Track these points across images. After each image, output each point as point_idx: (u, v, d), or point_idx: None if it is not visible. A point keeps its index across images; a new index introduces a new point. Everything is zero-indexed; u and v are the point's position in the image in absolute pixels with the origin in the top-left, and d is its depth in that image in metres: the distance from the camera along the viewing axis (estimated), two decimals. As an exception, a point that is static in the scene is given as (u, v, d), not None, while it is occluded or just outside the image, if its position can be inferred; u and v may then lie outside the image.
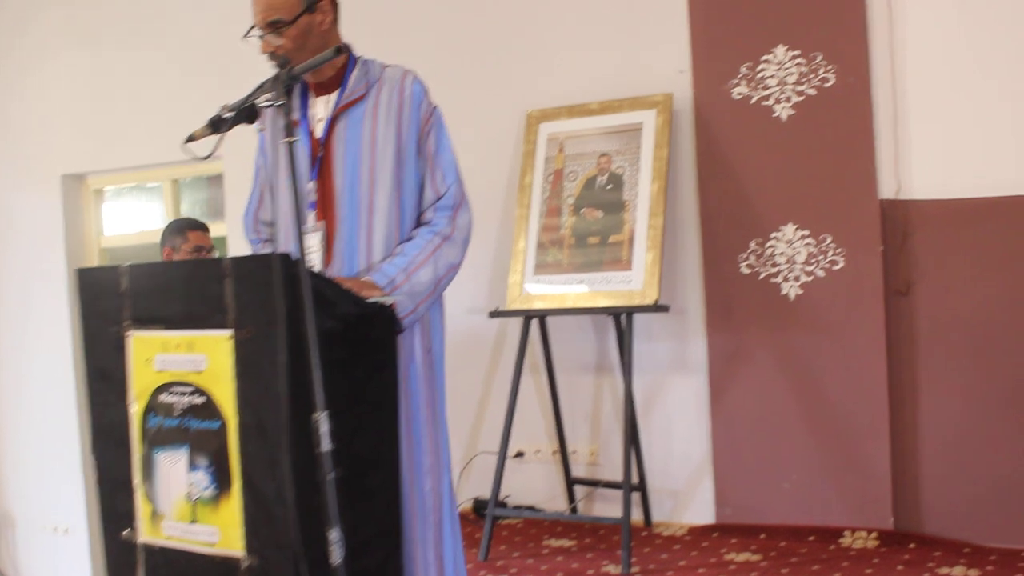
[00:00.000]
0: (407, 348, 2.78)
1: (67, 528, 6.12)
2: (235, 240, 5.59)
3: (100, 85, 5.99)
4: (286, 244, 2.87)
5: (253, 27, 2.71)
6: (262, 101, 2.12)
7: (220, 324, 2.27)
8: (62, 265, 6.12)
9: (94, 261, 6.32)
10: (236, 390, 2.25)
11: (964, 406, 4.04)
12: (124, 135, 5.88)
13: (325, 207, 2.80)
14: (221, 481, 2.30)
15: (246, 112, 2.20)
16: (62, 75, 6.13)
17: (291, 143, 2.05)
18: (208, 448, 2.32)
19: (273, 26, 2.69)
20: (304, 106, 2.89)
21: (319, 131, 2.84)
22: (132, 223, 6.38)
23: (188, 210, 6.18)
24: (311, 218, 2.80)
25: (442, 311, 2.96)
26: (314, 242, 2.78)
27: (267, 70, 2.72)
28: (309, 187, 2.81)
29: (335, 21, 2.86)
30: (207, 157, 2.24)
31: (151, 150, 5.72)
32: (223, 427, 2.29)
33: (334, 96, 2.86)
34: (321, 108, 2.87)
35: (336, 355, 2.29)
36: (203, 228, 4.54)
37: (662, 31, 4.51)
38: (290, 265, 2.12)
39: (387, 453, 2.53)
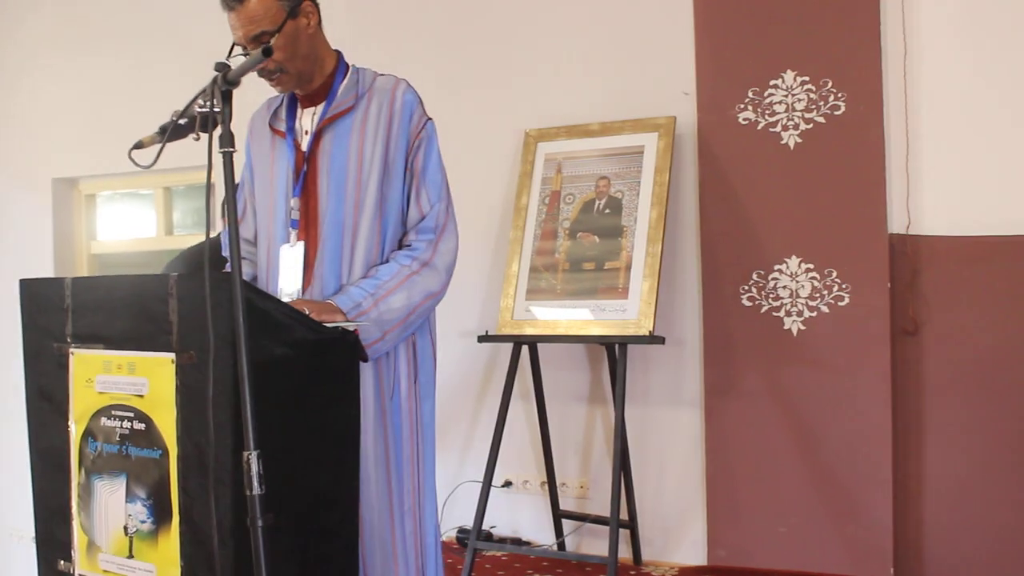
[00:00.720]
0: (390, 378, 2.61)
1: (23, 535, 5.97)
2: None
3: (93, 89, 5.87)
4: (266, 265, 2.70)
5: (234, 45, 2.54)
6: (199, 109, 1.96)
7: (164, 346, 2.10)
8: (51, 271, 5.99)
9: (83, 267, 6.19)
10: (177, 418, 2.09)
11: (970, 453, 3.86)
12: (117, 140, 5.67)
13: (307, 225, 2.62)
14: (159, 515, 2.14)
15: (189, 122, 2.04)
16: (55, 79, 6.02)
17: (228, 154, 1.89)
18: (148, 479, 2.15)
19: (258, 40, 2.52)
20: (291, 118, 2.73)
21: (304, 144, 2.68)
22: (124, 230, 6.24)
23: (180, 219, 6.05)
24: (292, 236, 2.63)
25: (432, 340, 2.77)
26: (293, 262, 2.61)
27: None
28: (292, 203, 2.64)
29: (320, 23, 2.70)
30: (150, 166, 2.08)
31: (144, 156, 5.57)
32: (164, 456, 2.12)
33: (321, 107, 2.70)
34: (307, 120, 2.71)
35: (288, 385, 2.12)
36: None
37: (667, 51, 4.35)
38: (233, 285, 1.95)
39: (346, 491, 2.35)
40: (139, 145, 2.16)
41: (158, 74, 5.61)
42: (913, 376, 3.93)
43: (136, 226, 6.19)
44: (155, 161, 2.06)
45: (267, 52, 1.92)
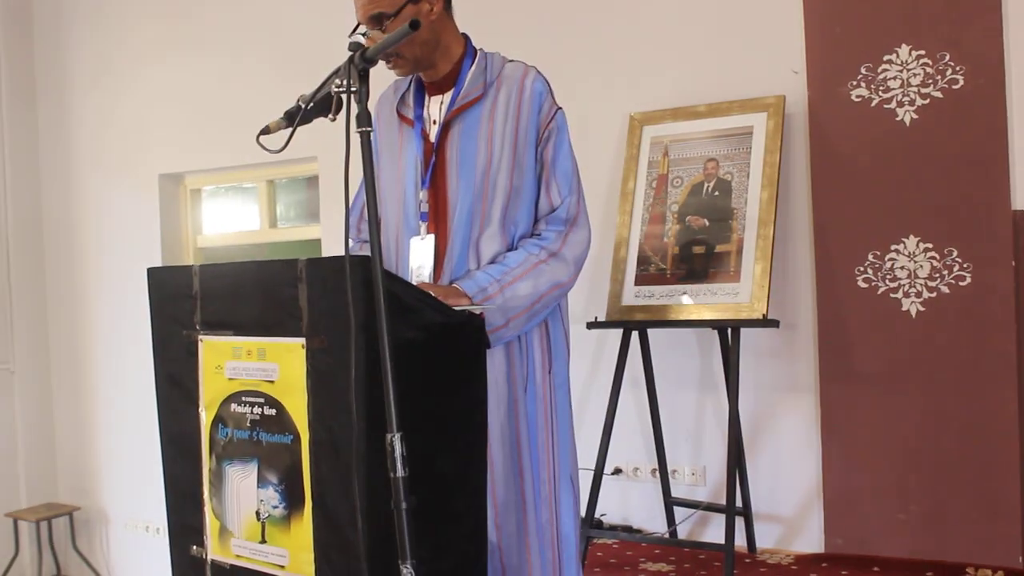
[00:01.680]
0: (525, 368, 2.57)
1: (159, 528, 6.08)
2: (331, 245, 5.49)
3: (197, 87, 5.97)
4: (395, 253, 2.67)
5: (359, 25, 2.52)
6: (335, 89, 1.94)
7: (293, 332, 2.10)
8: (159, 264, 6.10)
9: (190, 260, 6.29)
10: (309, 403, 2.08)
11: (1102, 437, 3.71)
12: (220, 135, 5.85)
13: (437, 218, 2.59)
14: (292, 500, 2.14)
15: (322, 102, 2.03)
16: (160, 79, 6.14)
17: (366, 134, 1.86)
18: (279, 464, 2.16)
19: (376, 20, 2.49)
20: (419, 106, 2.69)
21: (433, 134, 2.64)
22: (229, 223, 6.33)
23: (283, 212, 6.11)
24: (422, 229, 2.60)
25: (565, 329, 2.73)
26: (424, 255, 2.58)
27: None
28: (421, 196, 2.61)
29: (447, 9, 2.64)
30: (280, 151, 2.07)
31: (247, 150, 5.64)
32: (295, 442, 2.12)
33: (449, 96, 2.65)
34: (435, 109, 2.67)
35: (418, 369, 2.10)
36: None
37: (774, 29, 4.25)
38: (366, 269, 1.93)
39: (474, 476, 2.32)
40: (266, 131, 2.16)
41: (256, 72, 5.68)
42: (1040, 357, 3.79)
43: (240, 220, 6.27)
44: (285, 146, 2.06)
45: (415, 25, 1.88)
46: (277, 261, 2.17)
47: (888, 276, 4.00)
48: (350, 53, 1.97)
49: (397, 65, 2.62)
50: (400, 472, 1.83)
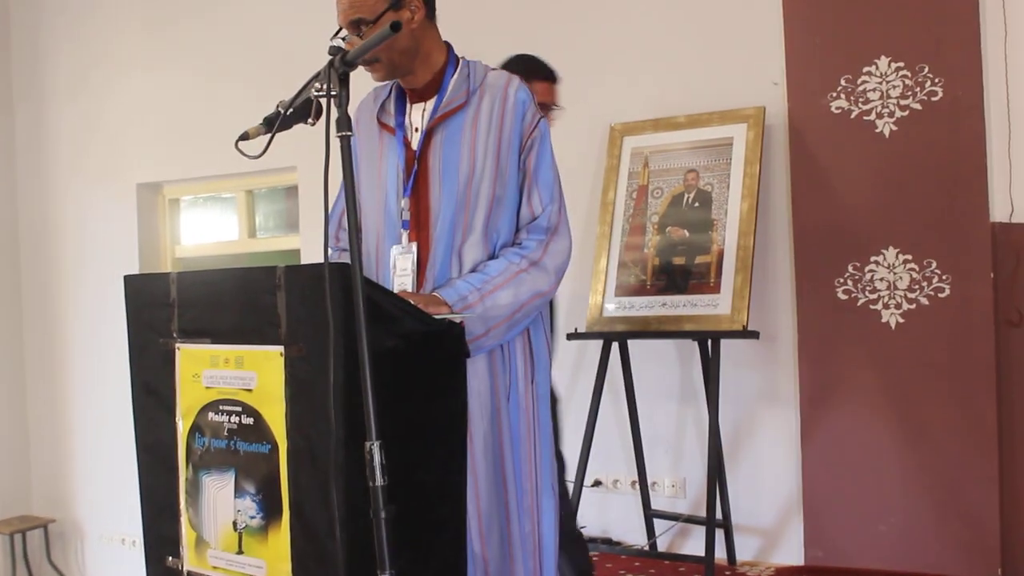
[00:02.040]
0: (508, 378, 2.55)
1: (135, 540, 6.02)
2: (310, 255, 5.46)
3: (176, 97, 5.94)
4: (375, 261, 2.64)
5: (340, 29, 2.50)
6: (315, 93, 1.92)
7: (271, 339, 2.07)
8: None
9: (168, 270, 6.24)
10: (287, 412, 2.06)
11: (1081, 448, 3.73)
12: (199, 145, 5.81)
13: (419, 226, 2.56)
14: (270, 510, 2.11)
15: (302, 108, 2.01)
16: (139, 89, 6.11)
17: (346, 138, 1.84)
18: (257, 473, 2.13)
19: (355, 26, 2.47)
20: (400, 113, 2.67)
21: (415, 142, 2.62)
22: (207, 234, 6.29)
23: (262, 222, 6.08)
24: (404, 238, 2.58)
25: (548, 341, 2.71)
26: (406, 264, 2.55)
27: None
28: (403, 204, 2.59)
29: (430, 17, 2.61)
30: (259, 156, 2.05)
31: (226, 160, 5.61)
32: (273, 451, 2.10)
33: (431, 104, 2.63)
34: (417, 117, 2.63)
35: (398, 377, 2.08)
36: (551, 78, 3.76)
37: (755, 41, 4.26)
38: (346, 276, 1.91)
39: (455, 485, 2.30)
40: (245, 136, 2.14)
41: (235, 81, 5.65)
42: (1019, 369, 3.80)
43: (219, 229, 6.23)
44: (264, 151, 2.03)
45: (395, 27, 1.86)
46: (256, 268, 2.15)
47: (868, 288, 4.01)
48: (330, 57, 1.95)
49: (374, 69, 2.60)
50: (379, 481, 1.81)
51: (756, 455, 4.27)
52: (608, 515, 4.57)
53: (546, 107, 3.65)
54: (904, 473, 3.93)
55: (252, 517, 2.14)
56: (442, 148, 2.57)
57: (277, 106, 2.11)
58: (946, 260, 3.88)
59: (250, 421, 2.13)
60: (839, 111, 4.06)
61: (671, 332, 4.02)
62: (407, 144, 2.62)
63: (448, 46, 2.69)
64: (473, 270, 2.53)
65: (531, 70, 3.62)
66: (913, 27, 3.94)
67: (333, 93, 1.89)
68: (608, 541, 4.48)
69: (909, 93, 3.94)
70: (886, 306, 3.97)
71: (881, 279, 3.99)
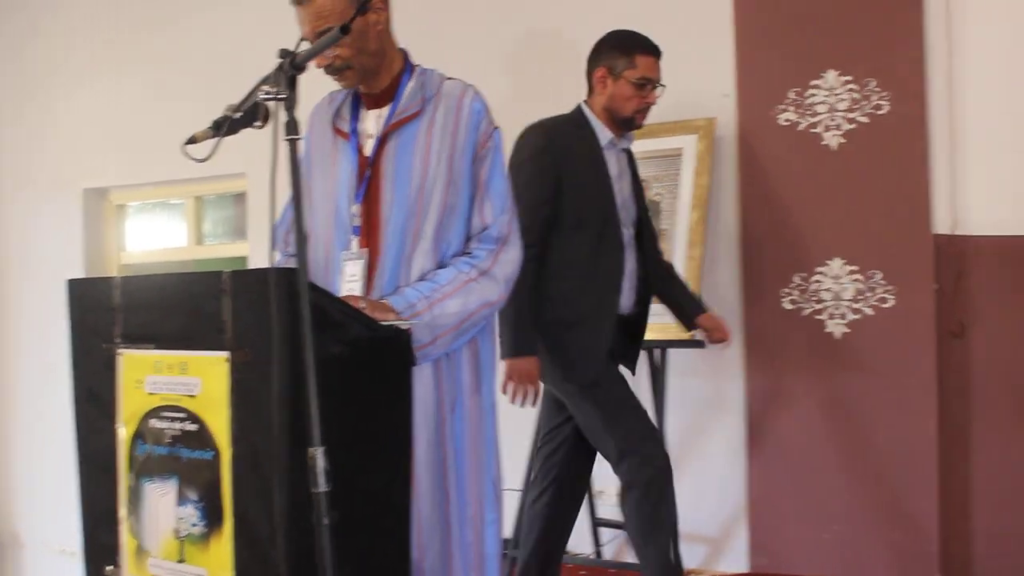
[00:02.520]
0: (454, 387, 2.55)
1: (75, 551, 5.93)
2: (258, 262, 5.42)
3: (123, 102, 5.87)
4: (323, 266, 2.63)
5: (303, 40, 2.48)
6: (263, 96, 1.91)
7: (216, 345, 2.05)
8: (81, 280, 5.99)
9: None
10: (231, 418, 2.04)
11: (1019, 459, 3.79)
12: (147, 150, 5.74)
13: (370, 233, 2.55)
14: (212, 517, 2.09)
15: (250, 111, 2.00)
16: (86, 94, 6.01)
17: (294, 142, 1.84)
18: (199, 480, 2.11)
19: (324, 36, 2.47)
20: (354, 119, 2.66)
21: (368, 149, 2.61)
22: (154, 240, 6.22)
23: (211, 229, 6.03)
24: (354, 244, 2.57)
25: (495, 351, 2.73)
26: (356, 271, 2.53)
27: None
28: (354, 210, 2.57)
29: (389, 21, 2.63)
30: (206, 160, 2.04)
31: (174, 165, 5.55)
32: (216, 458, 2.07)
33: (386, 110, 2.62)
34: (372, 123, 2.63)
35: (343, 384, 2.07)
36: (656, 53, 3.60)
37: (705, 52, 4.29)
38: (292, 281, 1.90)
39: (399, 493, 2.28)
40: (192, 140, 2.12)
41: (184, 88, 5.59)
42: (959, 379, 3.87)
43: (166, 236, 6.17)
44: (211, 154, 2.02)
45: (345, 30, 1.85)
46: (201, 273, 2.13)
47: (813, 298, 4.06)
48: (279, 60, 1.94)
49: (345, 77, 2.59)
50: (322, 487, 1.80)
51: (702, 463, 4.30)
52: (556, 524, 4.56)
53: (651, 82, 3.60)
54: (847, 482, 3.98)
55: (194, 525, 2.12)
56: (395, 155, 2.57)
57: (225, 110, 2.09)
58: (890, 271, 3.94)
59: (194, 428, 2.11)
60: (787, 123, 4.11)
61: (619, 341, 4.03)
62: (360, 150, 2.61)
63: (404, 53, 2.69)
64: (422, 278, 2.53)
65: (636, 43, 3.59)
66: (861, 42, 4.00)
67: (281, 96, 1.88)
68: (555, 550, 4.46)
69: (856, 107, 4.00)
70: (831, 316, 4.02)
71: (827, 289, 4.03)
